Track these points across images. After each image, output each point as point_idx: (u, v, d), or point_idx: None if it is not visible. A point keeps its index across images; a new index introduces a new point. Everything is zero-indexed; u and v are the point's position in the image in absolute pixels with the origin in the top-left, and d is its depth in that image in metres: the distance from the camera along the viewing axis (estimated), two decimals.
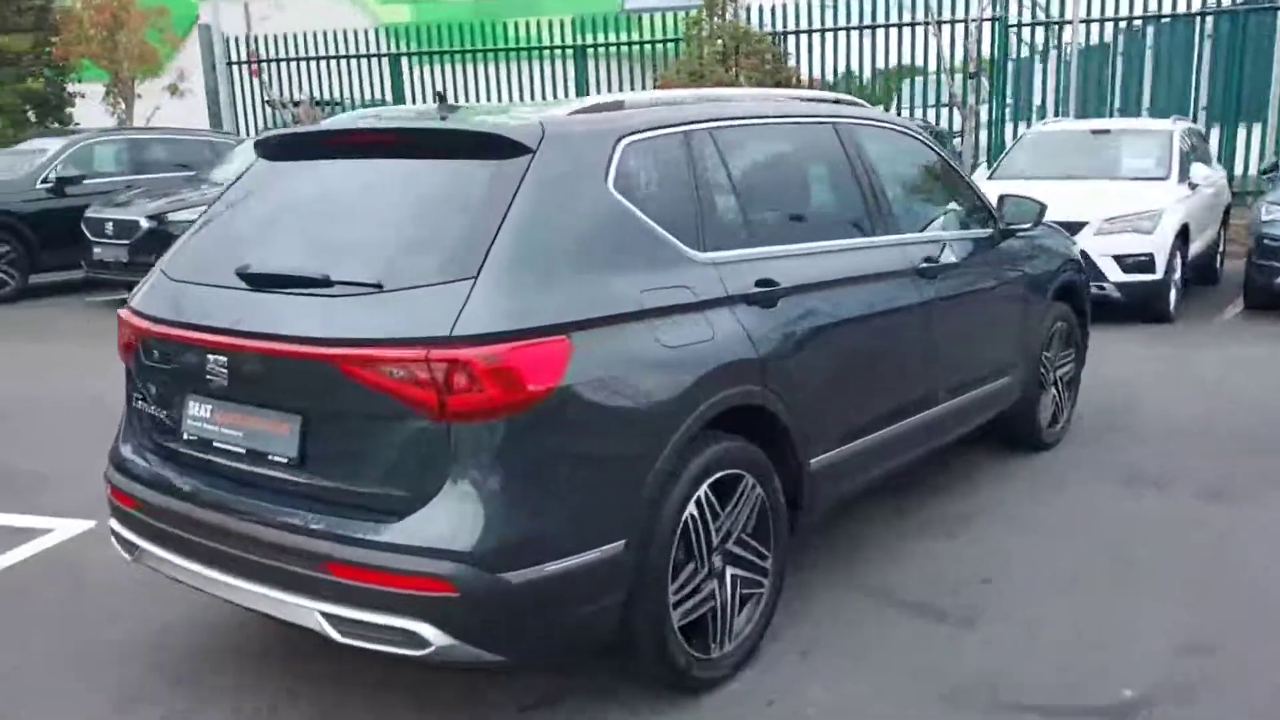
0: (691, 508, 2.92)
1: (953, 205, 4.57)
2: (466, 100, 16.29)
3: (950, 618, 3.52)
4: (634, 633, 2.85)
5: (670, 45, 15.75)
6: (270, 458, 2.77)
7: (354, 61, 17.00)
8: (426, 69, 16.74)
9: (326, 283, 2.68)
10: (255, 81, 17.13)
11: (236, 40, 17.36)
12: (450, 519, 2.50)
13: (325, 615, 2.59)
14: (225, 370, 2.79)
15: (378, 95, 16.87)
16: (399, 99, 16.80)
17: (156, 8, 19.24)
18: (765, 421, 3.22)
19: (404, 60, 16.88)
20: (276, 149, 3.31)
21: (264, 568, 2.69)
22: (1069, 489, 4.70)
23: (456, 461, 2.51)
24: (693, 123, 3.28)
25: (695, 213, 3.15)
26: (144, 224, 10.04)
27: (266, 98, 16.66)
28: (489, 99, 16.34)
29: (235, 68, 17.49)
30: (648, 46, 16.12)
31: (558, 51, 16.29)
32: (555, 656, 3.07)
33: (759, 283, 3.22)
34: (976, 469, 4.94)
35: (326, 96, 17.23)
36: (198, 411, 2.94)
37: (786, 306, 3.31)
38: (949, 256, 4.23)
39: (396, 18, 23.44)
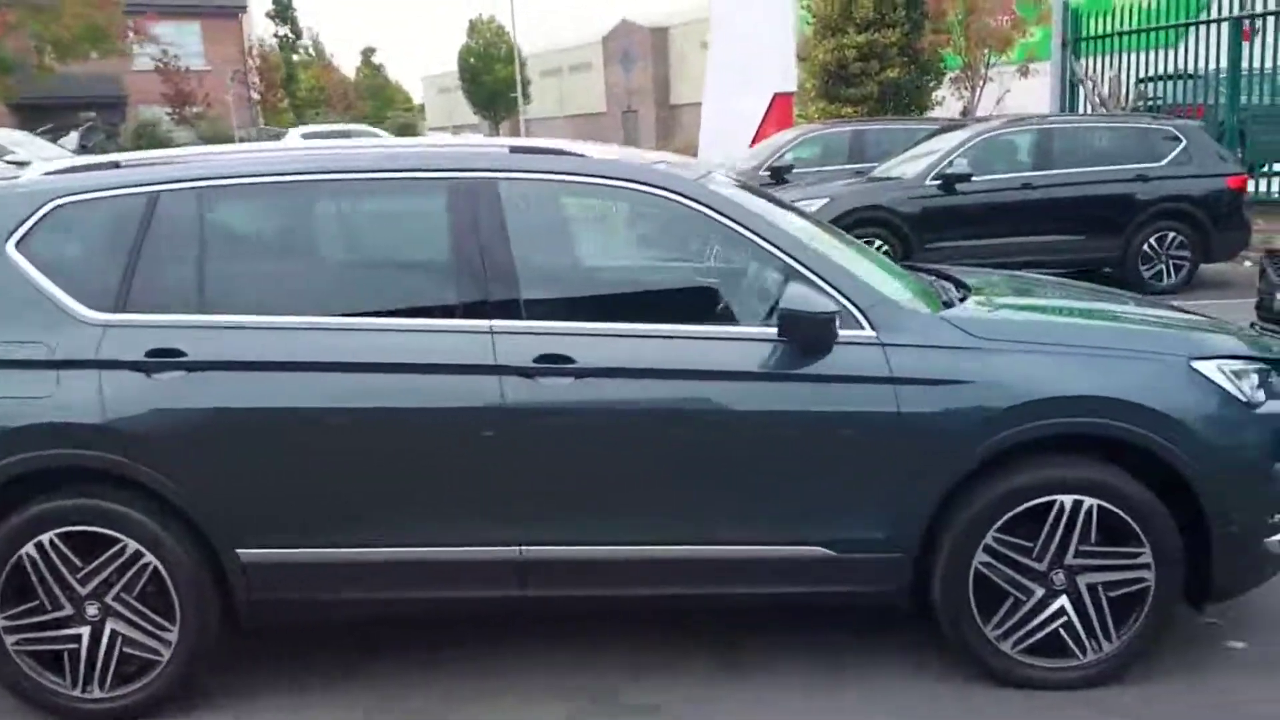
0: (30, 549, 3.24)
1: (692, 290, 3.33)
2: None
3: None
4: None
5: None
6: None
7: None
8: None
9: None
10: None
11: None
12: None
13: None
14: None
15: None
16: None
17: None
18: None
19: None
20: None
21: None
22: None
23: None
24: (162, 183, 3.36)
25: (119, 275, 3.29)
26: None
27: (1073, 77, 15.65)
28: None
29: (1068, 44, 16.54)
30: None
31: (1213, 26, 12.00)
32: None
33: (152, 352, 3.20)
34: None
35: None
36: None
37: (202, 380, 3.21)
38: (620, 357, 3.18)
39: None
